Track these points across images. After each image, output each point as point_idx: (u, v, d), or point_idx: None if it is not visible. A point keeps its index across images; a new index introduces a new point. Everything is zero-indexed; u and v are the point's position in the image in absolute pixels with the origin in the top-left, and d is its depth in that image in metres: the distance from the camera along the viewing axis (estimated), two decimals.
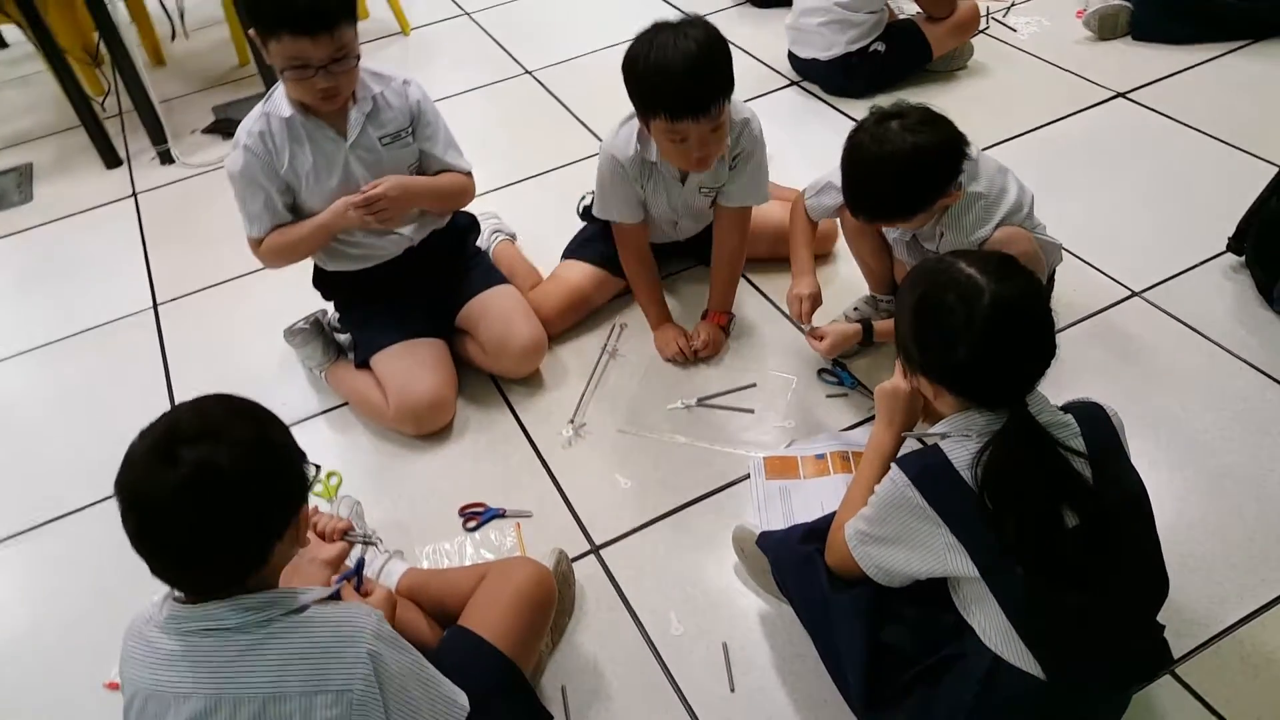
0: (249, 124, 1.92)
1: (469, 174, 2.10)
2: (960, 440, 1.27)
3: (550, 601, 1.59)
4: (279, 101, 1.90)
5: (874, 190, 1.72)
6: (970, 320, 1.22)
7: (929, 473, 1.27)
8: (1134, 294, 2.22)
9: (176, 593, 1.13)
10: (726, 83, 1.84)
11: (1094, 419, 1.32)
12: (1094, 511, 1.23)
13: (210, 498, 1.04)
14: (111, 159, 3.25)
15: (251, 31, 1.80)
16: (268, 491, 1.09)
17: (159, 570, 1.08)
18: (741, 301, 2.31)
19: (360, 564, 1.48)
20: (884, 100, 2.92)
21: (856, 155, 1.71)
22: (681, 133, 1.84)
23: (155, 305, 2.64)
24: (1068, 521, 1.22)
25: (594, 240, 2.32)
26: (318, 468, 1.23)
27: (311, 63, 1.76)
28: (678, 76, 1.76)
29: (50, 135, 3.54)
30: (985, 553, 1.23)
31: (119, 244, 2.91)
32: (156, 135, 3.19)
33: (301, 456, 1.16)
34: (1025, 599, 1.23)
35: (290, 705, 1.06)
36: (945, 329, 1.25)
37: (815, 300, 2.01)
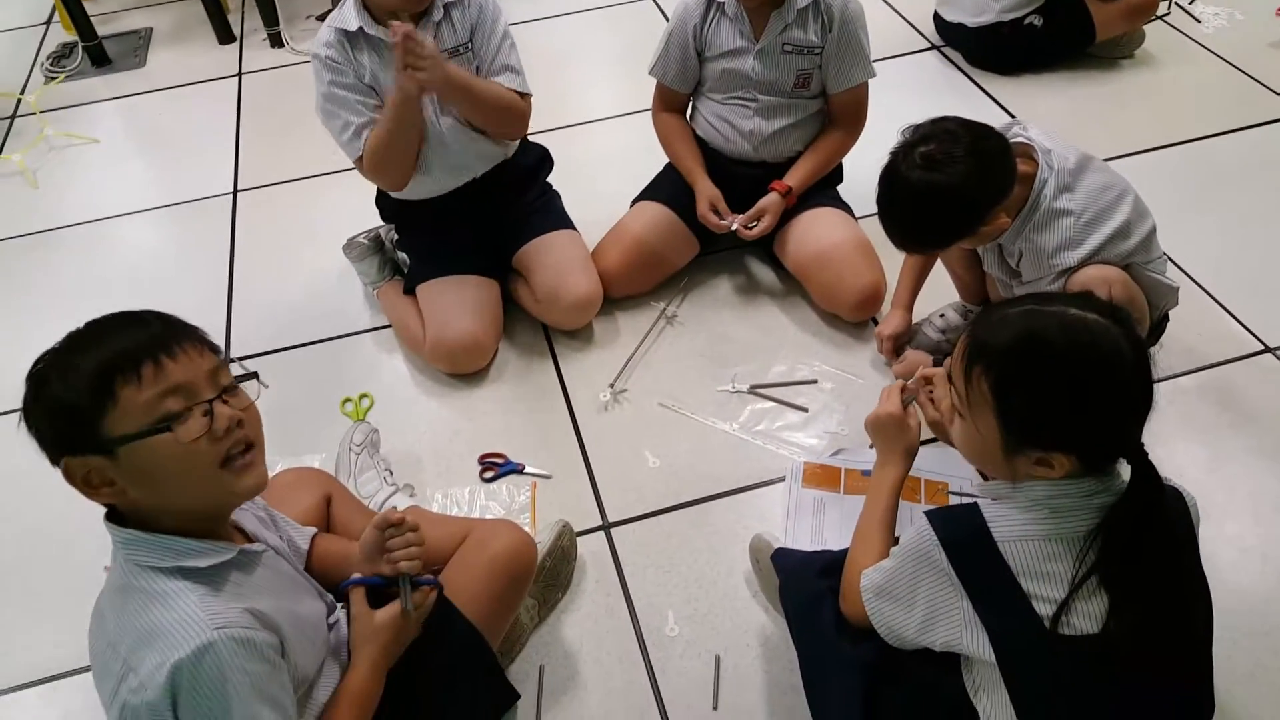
0: (323, 36, 1.85)
1: (523, 97, 1.93)
2: (1011, 506, 1.10)
3: (527, 574, 1.49)
4: (347, 15, 1.82)
5: (896, 224, 1.59)
6: (1123, 374, 1.04)
7: (960, 536, 1.11)
8: (1267, 349, 1.94)
9: None
10: None
11: (1171, 507, 1.13)
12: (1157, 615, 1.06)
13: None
14: (225, 35, 3.25)
15: None
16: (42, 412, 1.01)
17: None
18: None
19: (383, 583, 1.28)
20: (1032, 82, 2.71)
21: (882, 185, 1.57)
22: None
23: (235, 191, 2.63)
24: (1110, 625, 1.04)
25: (668, 178, 2.16)
26: (255, 375, 1.12)
27: None
28: None
29: (176, 1, 3.55)
30: (1007, 640, 1.08)
31: (215, 124, 2.91)
32: (269, 16, 3.16)
33: (102, 401, 0.99)
34: (1043, 700, 1.08)
35: (115, 664, 1.01)
36: (1089, 389, 1.04)
37: (899, 340, 1.92)
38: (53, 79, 3.13)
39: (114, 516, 1.07)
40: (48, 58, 3.23)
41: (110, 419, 0.99)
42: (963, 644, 1.12)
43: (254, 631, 1.02)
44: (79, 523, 1.80)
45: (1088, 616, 1.05)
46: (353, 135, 1.87)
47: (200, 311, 2.23)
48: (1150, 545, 1.07)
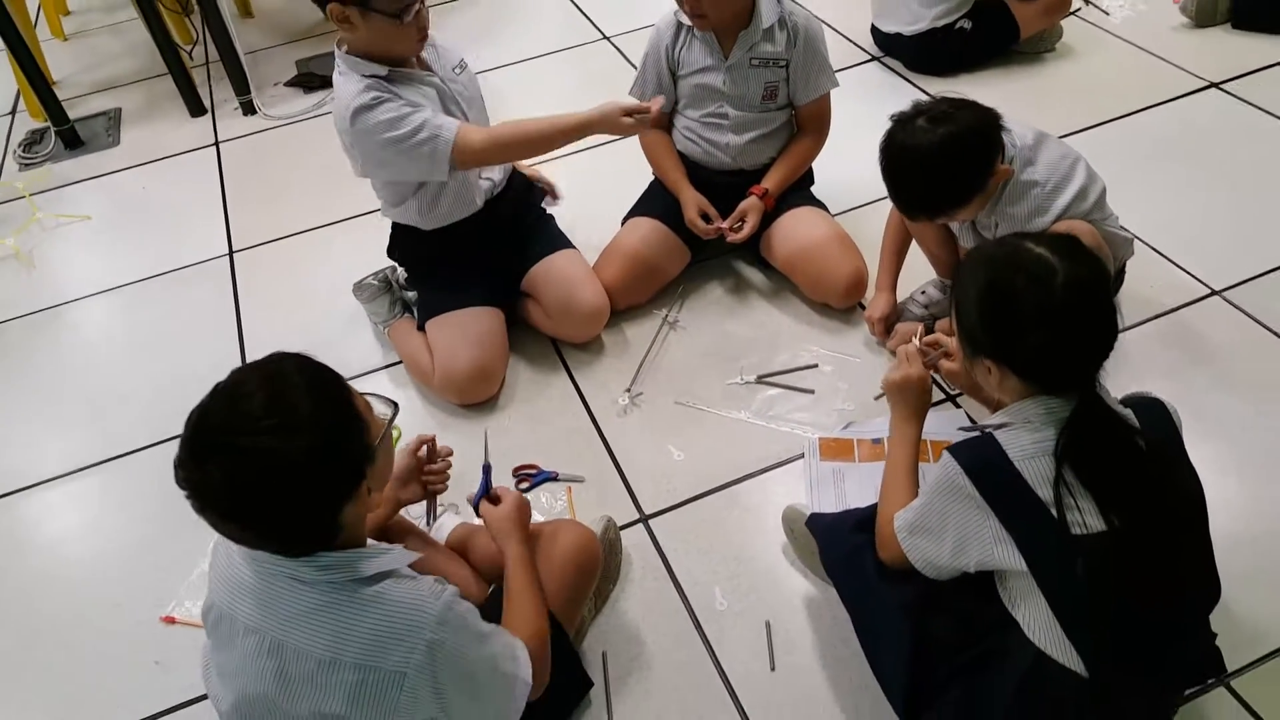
0: (353, 88, 1.86)
1: None
2: (1019, 430, 1.25)
3: (595, 567, 1.61)
4: (363, 66, 1.87)
5: (915, 189, 1.74)
6: (1044, 303, 1.20)
7: (981, 462, 1.26)
8: (1213, 293, 2.15)
9: None
10: None
11: (1153, 413, 1.31)
12: (1152, 508, 1.22)
13: (243, 509, 1.05)
14: (196, 107, 3.34)
15: (334, 8, 1.79)
16: (306, 491, 1.06)
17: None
18: None
19: (487, 475, 1.58)
20: (967, 81, 2.93)
21: (890, 160, 1.73)
22: None
23: (231, 253, 2.71)
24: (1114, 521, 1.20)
25: (658, 193, 2.31)
26: (396, 406, 1.24)
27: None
28: None
29: (140, 81, 3.63)
30: (1034, 546, 1.23)
31: (199, 191, 2.99)
32: (240, 86, 3.26)
33: (354, 431, 1.12)
34: (1072, 594, 1.22)
35: (344, 674, 1.10)
36: (1017, 313, 1.23)
37: (889, 321, 2.08)
38: (28, 165, 3.18)
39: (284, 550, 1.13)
40: (19, 145, 3.28)
41: (367, 431, 1.14)
42: (995, 558, 1.25)
43: (451, 584, 1.19)
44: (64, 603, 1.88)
45: (1094, 515, 1.20)
46: (431, 129, 1.84)
47: (216, 369, 2.32)
48: (1110, 451, 1.22)
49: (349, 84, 1.88)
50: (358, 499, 1.13)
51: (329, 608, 1.11)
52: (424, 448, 1.57)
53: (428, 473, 1.56)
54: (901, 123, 1.71)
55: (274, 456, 1.03)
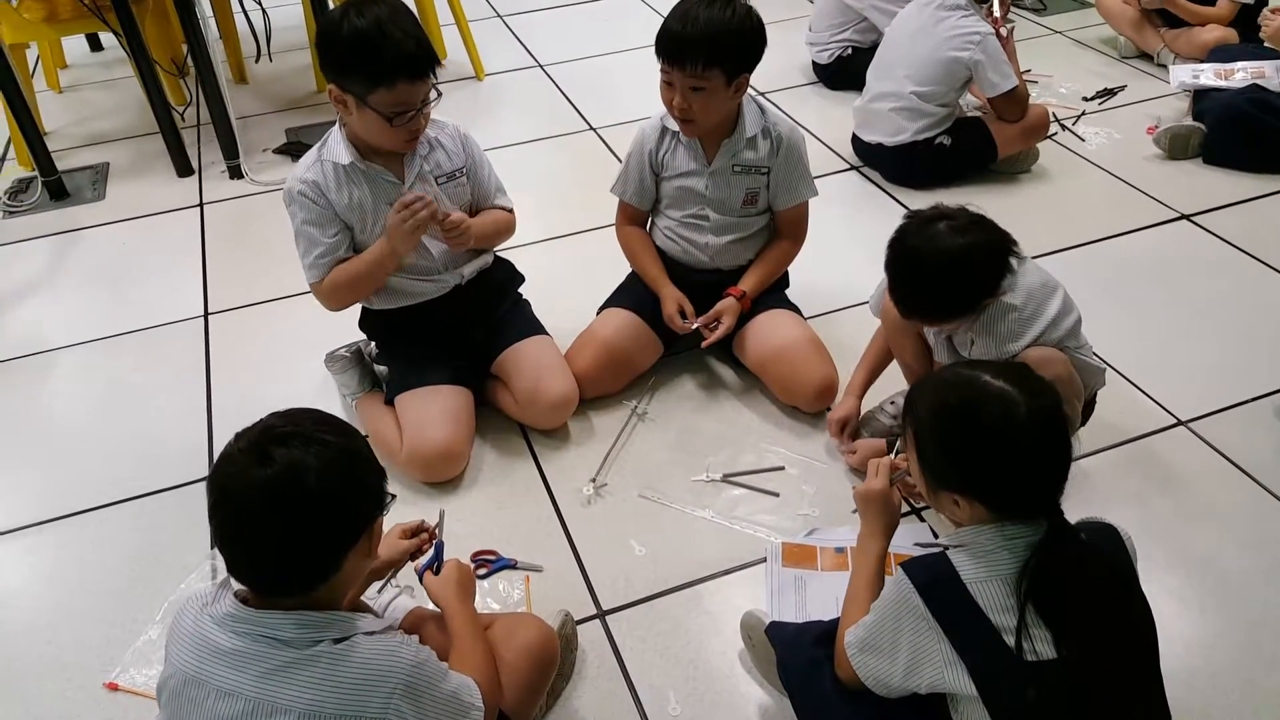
0: (301, 171, 1.96)
1: (511, 211, 2.17)
2: (973, 552, 1.25)
3: (553, 663, 1.58)
4: (336, 149, 1.94)
5: (926, 290, 1.73)
6: (1013, 435, 1.21)
7: (936, 583, 1.25)
8: (1179, 423, 2.17)
9: (238, 588, 1.18)
10: (724, 54, 1.94)
11: (1107, 540, 1.32)
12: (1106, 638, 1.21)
13: (296, 497, 1.11)
14: (184, 168, 3.36)
15: (333, 89, 1.85)
16: (349, 498, 1.17)
17: (237, 568, 1.16)
18: None
19: (439, 551, 1.60)
20: (944, 195, 3.01)
21: (909, 257, 1.71)
22: (668, 75, 2.00)
23: (206, 314, 2.70)
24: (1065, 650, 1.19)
25: (634, 286, 2.33)
26: (393, 496, 1.30)
27: (414, 105, 1.84)
28: (678, 21, 1.94)
29: (129, 139, 3.66)
30: (986, 672, 1.21)
31: (180, 250, 2.99)
32: (230, 150, 3.29)
33: (382, 473, 1.25)
34: None
35: None
36: (986, 446, 1.23)
37: (845, 424, 2.08)
38: (12, 214, 3.18)
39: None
40: (4, 192, 3.28)
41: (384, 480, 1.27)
42: (946, 682, 1.24)
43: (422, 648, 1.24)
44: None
45: (1048, 643, 1.19)
46: (312, 263, 2.00)
47: (178, 431, 2.31)
48: (1073, 579, 1.22)
49: (308, 158, 1.98)
50: (360, 546, 1.19)
51: (306, 662, 1.13)
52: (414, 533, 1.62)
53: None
54: (922, 222, 1.70)
55: (334, 448, 1.14)
